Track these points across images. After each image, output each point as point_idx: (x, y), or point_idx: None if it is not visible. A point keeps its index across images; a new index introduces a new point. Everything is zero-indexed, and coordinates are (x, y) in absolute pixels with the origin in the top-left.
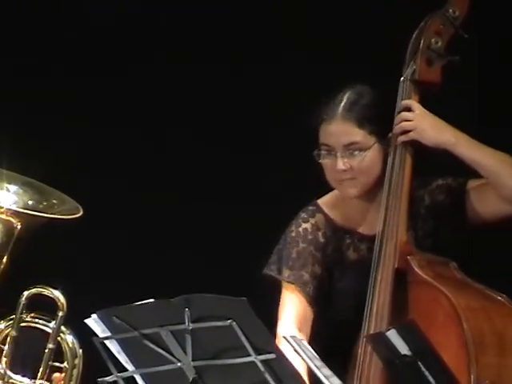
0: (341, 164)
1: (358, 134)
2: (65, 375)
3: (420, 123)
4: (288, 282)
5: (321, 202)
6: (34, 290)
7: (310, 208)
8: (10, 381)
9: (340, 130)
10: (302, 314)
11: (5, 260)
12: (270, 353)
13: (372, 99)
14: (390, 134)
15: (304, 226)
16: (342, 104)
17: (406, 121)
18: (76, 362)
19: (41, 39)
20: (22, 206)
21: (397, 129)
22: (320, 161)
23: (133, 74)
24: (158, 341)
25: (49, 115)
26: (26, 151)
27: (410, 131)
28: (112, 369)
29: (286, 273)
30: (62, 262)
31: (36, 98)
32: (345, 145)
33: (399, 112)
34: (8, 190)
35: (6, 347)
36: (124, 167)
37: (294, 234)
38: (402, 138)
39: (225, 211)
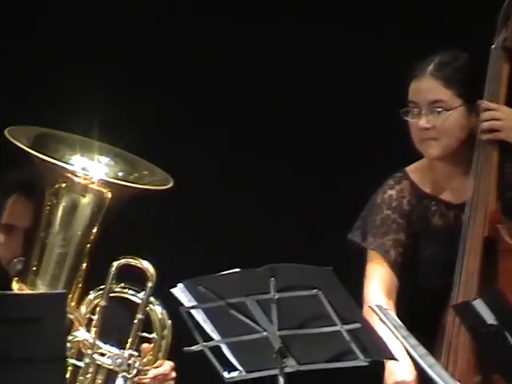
0: (424, 121)
1: (444, 93)
2: (153, 346)
3: (509, 124)
4: (372, 249)
5: (409, 169)
6: (123, 261)
7: (397, 175)
8: (99, 350)
9: (427, 87)
10: (387, 281)
11: (95, 230)
12: (355, 322)
13: (463, 63)
14: (478, 102)
15: (389, 192)
16: (433, 63)
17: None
18: (165, 332)
19: None
20: (113, 176)
21: (485, 126)
22: (406, 118)
23: None
24: (243, 310)
25: (141, 89)
26: (117, 123)
27: (497, 130)
28: (198, 338)
29: (369, 240)
30: (150, 232)
31: (126, 71)
32: (430, 102)
33: (485, 110)
34: (99, 162)
35: (95, 317)
36: (213, 136)
37: (379, 201)
38: (488, 137)
39: (314, 180)
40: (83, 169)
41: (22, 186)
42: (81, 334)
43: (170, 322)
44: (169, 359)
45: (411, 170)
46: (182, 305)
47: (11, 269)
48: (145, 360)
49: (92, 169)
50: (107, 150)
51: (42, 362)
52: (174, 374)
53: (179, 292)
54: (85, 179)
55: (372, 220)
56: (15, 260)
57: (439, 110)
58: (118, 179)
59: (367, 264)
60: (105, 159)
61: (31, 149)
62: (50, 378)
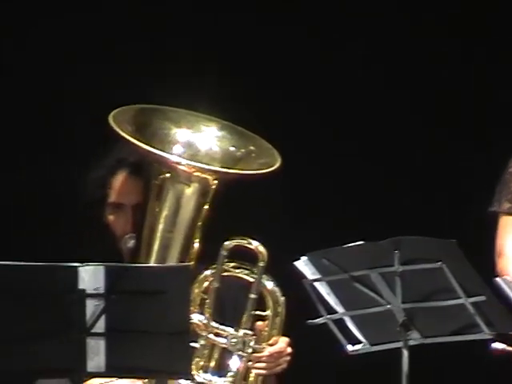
0: None
1: None
2: (268, 324)
3: None
4: (508, 213)
5: None
6: (233, 242)
7: None
8: (214, 330)
9: None
10: None
11: (203, 213)
12: (480, 295)
13: None
14: None
15: None
16: None
17: None
18: (279, 310)
19: None
20: (220, 151)
21: None
22: None
23: None
24: (367, 283)
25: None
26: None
27: None
28: (322, 311)
29: (505, 205)
30: (259, 212)
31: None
32: None
33: None
34: (208, 134)
35: (208, 298)
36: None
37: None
38: None
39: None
40: (190, 146)
41: (129, 164)
42: (194, 316)
43: (283, 298)
44: (284, 335)
45: None
46: (305, 277)
47: (123, 245)
48: (260, 338)
49: (200, 141)
50: (215, 123)
51: (166, 335)
52: (289, 350)
53: (303, 265)
54: (189, 168)
55: (507, 187)
56: (126, 236)
57: None
58: (226, 155)
59: (499, 229)
60: (213, 132)
61: (135, 133)
62: (174, 350)
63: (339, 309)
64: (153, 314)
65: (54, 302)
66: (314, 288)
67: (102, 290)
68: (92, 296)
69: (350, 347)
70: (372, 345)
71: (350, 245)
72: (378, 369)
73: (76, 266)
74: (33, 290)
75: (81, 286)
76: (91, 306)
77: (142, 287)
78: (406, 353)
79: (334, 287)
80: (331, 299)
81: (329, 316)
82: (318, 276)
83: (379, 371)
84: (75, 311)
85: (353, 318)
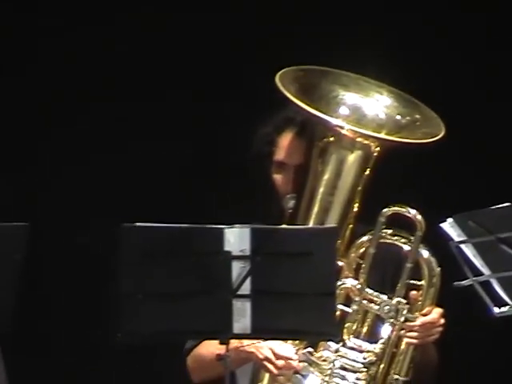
0: None
1: None
2: (422, 293)
3: None
4: None
5: None
6: (391, 209)
7: None
8: (367, 296)
9: None
10: None
11: (364, 179)
12: None
13: None
14: None
15: None
16: None
17: None
18: (434, 280)
19: None
20: (386, 119)
21: None
22: None
23: None
24: None
25: None
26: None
27: None
28: (468, 273)
29: None
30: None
31: None
32: None
33: None
34: (377, 100)
35: (363, 263)
36: None
37: None
38: None
39: None
40: (356, 111)
41: (296, 123)
42: (349, 281)
43: (439, 269)
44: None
45: None
46: (451, 239)
47: (284, 205)
48: (413, 307)
49: (368, 107)
50: (385, 90)
51: (313, 296)
52: (442, 321)
53: (448, 227)
54: (353, 134)
55: None
56: (288, 196)
57: None
58: (391, 123)
59: None
60: (381, 98)
61: (302, 94)
62: (320, 312)
63: (485, 271)
64: (299, 276)
65: (200, 263)
66: (460, 250)
67: (247, 252)
68: (238, 258)
69: (496, 309)
70: None
71: (496, 206)
72: None
73: (222, 228)
74: (180, 252)
75: (226, 247)
76: (237, 268)
77: (288, 249)
78: None
79: (480, 249)
80: (477, 261)
81: (475, 278)
82: (464, 238)
83: None
84: (221, 273)
85: (499, 279)
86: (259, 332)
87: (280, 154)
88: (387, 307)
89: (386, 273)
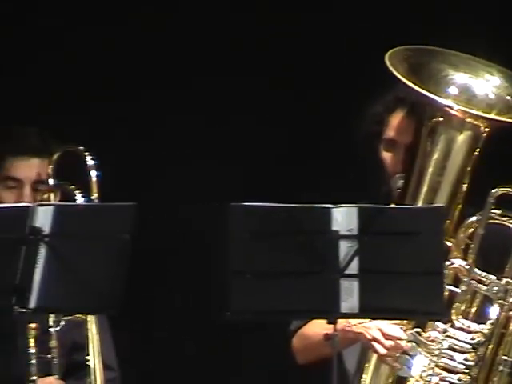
0: None
1: None
2: None
3: None
4: None
5: None
6: (501, 189)
7: None
8: (476, 277)
9: None
10: None
11: (475, 156)
12: None
13: None
14: None
15: None
16: None
17: None
18: None
19: None
20: (496, 99)
21: None
22: None
23: None
24: None
25: None
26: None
27: None
28: None
29: None
30: None
31: None
32: None
33: None
34: (487, 80)
35: (472, 243)
36: None
37: None
38: None
39: None
40: (466, 91)
41: (407, 103)
42: (457, 261)
43: None
44: None
45: None
46: None
47: (393, 184)
48: None
49: (478, 87)
50: (495, 69)
51: (420, 275)
52: None
53: None
54: (462, 114)
55: None
56: (396, 176)
57: None
58: (501, 103)
59: None
60: (491, 78)
61: (411, 74)
62: (428, 291)
63: None
64: (407, 255)
65: (308, 243)
66: None
67: (355, 232)
68: (345, 237)
69: None
70: None
71: None
72: None
73: (329, 208)
74: (288, 231)
75: (334, 227)
76: (344, 248)
77: (396, 228)
78: None
79: None
80: None
81: None
82: None
83: None
84: (329, 252)
85: None
86: (367, 311)
87: (391, 132)
88: (496, 288)
89: (489, 255)
